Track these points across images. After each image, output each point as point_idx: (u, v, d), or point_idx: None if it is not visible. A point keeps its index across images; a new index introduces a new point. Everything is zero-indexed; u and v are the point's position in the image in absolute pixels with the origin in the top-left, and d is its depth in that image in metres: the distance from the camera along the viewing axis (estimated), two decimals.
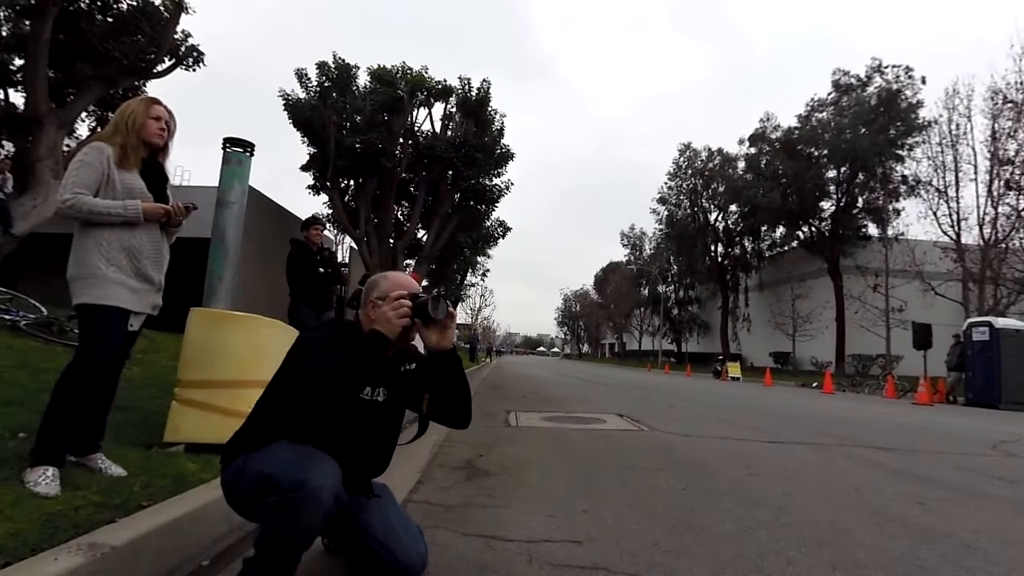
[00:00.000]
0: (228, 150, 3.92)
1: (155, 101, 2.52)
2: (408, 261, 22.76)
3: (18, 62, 10.68)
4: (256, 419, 1.76)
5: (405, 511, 2.03)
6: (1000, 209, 21.27)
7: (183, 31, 11.11)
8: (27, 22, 9.70)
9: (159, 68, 10.82)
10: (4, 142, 11.40)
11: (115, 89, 11.32)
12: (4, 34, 10.81)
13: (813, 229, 32.88)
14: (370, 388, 1.81)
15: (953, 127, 22.97)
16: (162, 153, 2.57)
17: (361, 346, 1.63)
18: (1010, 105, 20.72)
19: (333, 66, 19.62)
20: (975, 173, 22.28)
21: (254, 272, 14.33)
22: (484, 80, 20.45)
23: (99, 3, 10.50)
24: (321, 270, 5.63)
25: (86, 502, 1.97)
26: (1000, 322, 13.81)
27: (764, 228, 36.39)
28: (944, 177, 23.09)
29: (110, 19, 10.51)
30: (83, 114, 11.73)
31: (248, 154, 3.99)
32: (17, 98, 11.04)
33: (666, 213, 43.41)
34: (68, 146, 11.84)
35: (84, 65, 9.95)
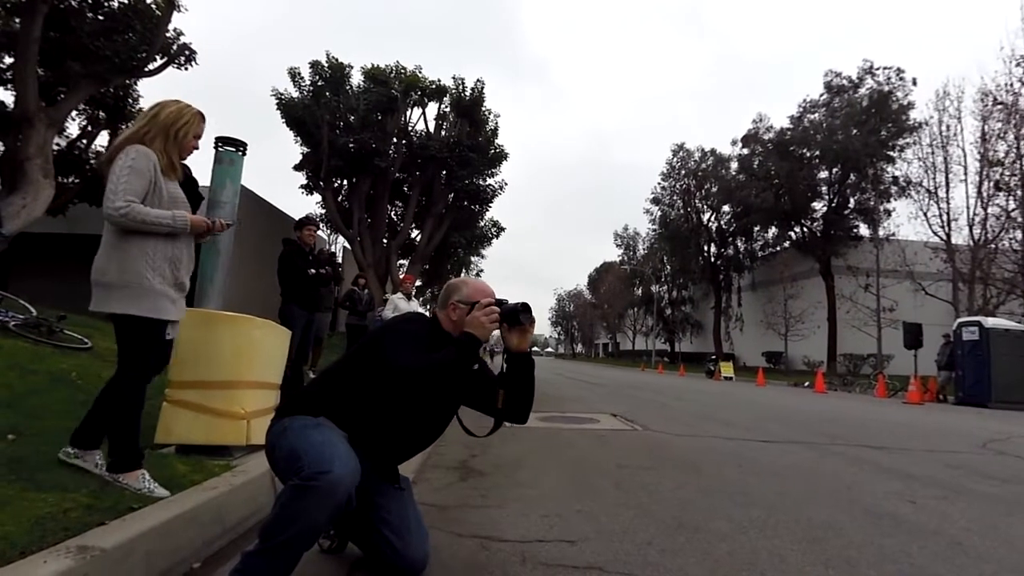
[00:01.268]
0: (220, 149, 3.90)
1: (204, 119, 2.50)
2: (402, 261, 22.71)
3: (8, 60, 10.57)
4: (322, 386, 1.88)
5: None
6: (990, 210, 21.47)
7: (175, 29, 11.02)
8: (17, 20, 9.60)
9: (151, 67, 10.72)
10: None
11: (106, 88, 11.23)
12: None
13: (805, 229, 33.08)
14: None
15: (943, 128, 23.17)
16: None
17: (462, 347, 1.78)
18: (1000, 107, 20.89)
19: (326, 65, 19.54)
20: (965, 174, 22.49)
21: (247, 272, 14.26)
22: (478, 80, 20.47)
23: (90, 1, 10.40)
24: (312, 271, 5.59)
25: (75, 504, 1.94)
26: (990, 322, 13.92)
27: (757, 228, 36.56)
28: (934, 178, 23.28)
29: (101, 17, 10.41)
30: (73, 112, 11.62)
31: (240, 153, 3.97)
32: (7, 96, 10.95)
33: (659, 213, 43.53)
34: (58, 145, 11.74)
35: (74, 63, 9.84)
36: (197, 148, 2.51)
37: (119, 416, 2.28)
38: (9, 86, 10.59)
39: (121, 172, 2.21)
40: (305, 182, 20.85)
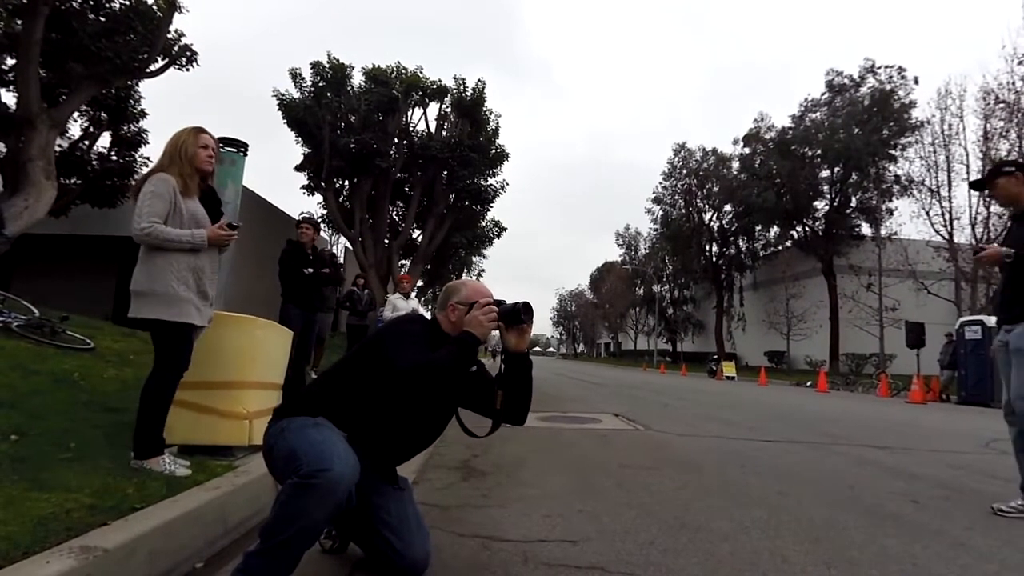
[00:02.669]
0: (222, 150, 3.90)
1: (201, 130, 2.75)
2: (403, 261, 22.71)
3: (10, 62, 10.58)
4: (322, 386, 1.90)
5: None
6: (992, 208, 21.41)
7: (176, 30, 11.00)
8: (19, 21, 9.61)
9: (152, 68, 10.73)
10: None
11: (107, 89, 11.23)
12: None
13: (807, 229, 33.03)
14: None
15: (945, 127, 23.17)
16: (210, 176, 2.81)
17: (461, 346, 1.79)
18: (1002, 105, 20.84)
19: (327, 66, 19.53)
20: (967, 173, 22.45)
21: (248, 273, 14.27)
22: (479, 80, 20.46)
23: (91, 2, 10.40)
24: (308, 271, 5.57)
25: (78, 504, 1.95)
26: (992, 321, 13.87)
27: (758, 228, 36.49)
28: (937, 177, 23.29)
29: (102, 18, 10.41)
30: (75, 114, 11.63)
31: (242, 153, 3.98)
32: (9, 98, 10.96)
33: (661, 213, 43.45)
34: (60, 146, 11.74)
35: (76, 65, 9.85)
36: (212, 156, 2.75)
37: (149, 409, 2.51)
38: (11, 87, 10.61)
39: (144, 197, 2.54)
40: (306, 183, 20.86)
